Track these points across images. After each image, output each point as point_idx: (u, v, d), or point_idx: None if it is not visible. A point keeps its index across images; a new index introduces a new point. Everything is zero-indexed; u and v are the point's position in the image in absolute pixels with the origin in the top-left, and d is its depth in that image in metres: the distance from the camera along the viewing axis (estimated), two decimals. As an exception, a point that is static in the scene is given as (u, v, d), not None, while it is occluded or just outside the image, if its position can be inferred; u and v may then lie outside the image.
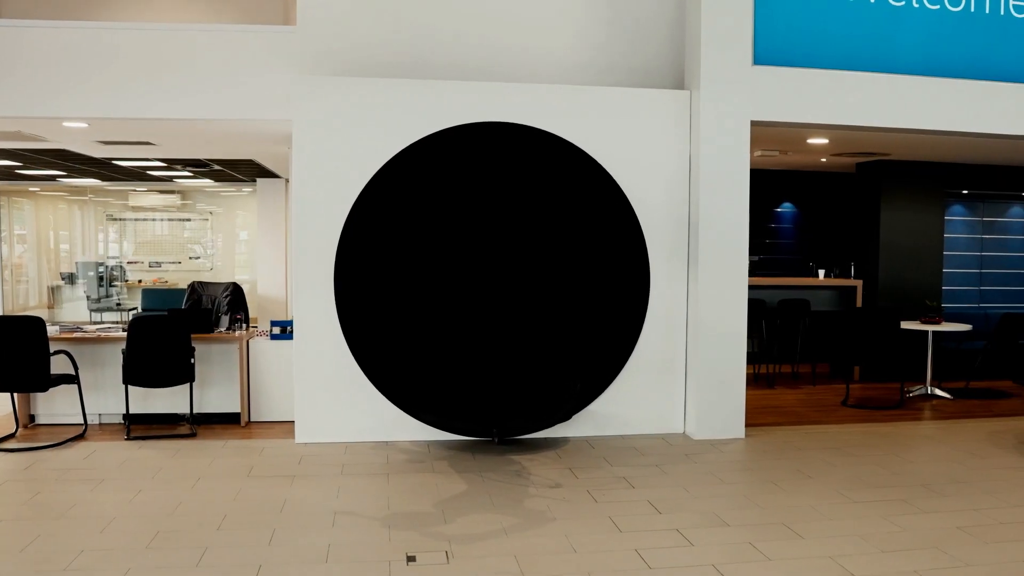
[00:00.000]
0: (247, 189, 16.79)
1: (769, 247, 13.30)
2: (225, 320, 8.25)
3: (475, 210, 7.12)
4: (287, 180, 14.48)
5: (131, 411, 7.43)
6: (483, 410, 7.05)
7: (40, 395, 7.62)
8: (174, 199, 17.36)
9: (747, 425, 7.55)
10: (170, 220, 17.62)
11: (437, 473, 6.30)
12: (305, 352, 7.11)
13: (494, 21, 7.71)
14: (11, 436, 7.28)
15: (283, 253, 14.65)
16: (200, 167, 13.19)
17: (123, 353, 7.21)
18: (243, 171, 13.89)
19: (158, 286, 16.84)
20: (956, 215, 12.10)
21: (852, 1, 7.47)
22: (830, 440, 7.41)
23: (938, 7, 7.61)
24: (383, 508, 5.46)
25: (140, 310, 15.61)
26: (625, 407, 7.50)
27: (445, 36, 7.62)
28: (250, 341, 7.92)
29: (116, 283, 16.77)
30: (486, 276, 7.13)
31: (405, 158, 7.05)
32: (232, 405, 7.87)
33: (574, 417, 7.29)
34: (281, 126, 8.06)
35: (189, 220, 17.68)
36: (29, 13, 8.47)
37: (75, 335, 7.69)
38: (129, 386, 7.26)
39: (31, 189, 16.99)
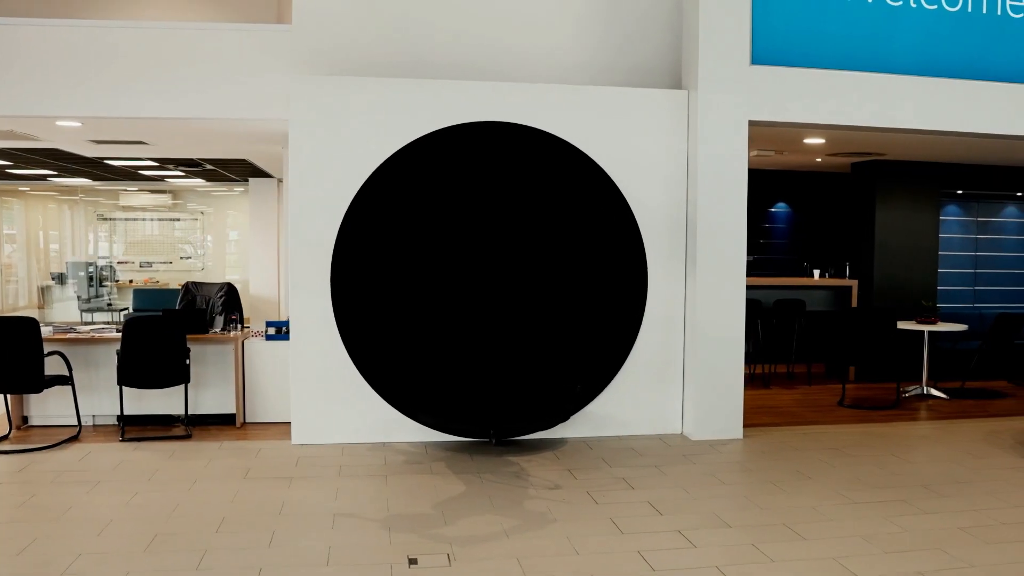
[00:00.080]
0: (239, 189, 16.72)
1: (763, 247, 13.30)
2: (219, 320, 8.20)
3: (472, 210, 7.09)
4: (279, 180, 14.43)
5: (125, 412, 7.37)
6: (480, 411, 7.02)
7: (33, 396, 7.55)
8: (165, 199, 17.27)
9: (744, 425, 7.53)
10: (160, 220, 17.53)
11: (435, 474, 6.26)
12: (301, 353, 7.06)
13: (492, 20, 7.67)
14: (4, 438, 7.22)
15: (275, 253, 14.60)
16: (192, 167, 13.13)
17: (118, 354, 7.15)
18: (235, 171, 13.84)
19: (149, 286, 16.75)
20: (951, 215, 12.12)
21: (850, 1, 7.46)
22: (828, 440, 7.40)
23: (935, 7, 7.61)
24: (382, 510, 5.42)
25: (131, 310, 15.55)
26: (623, 408, 7.48)
27: (442, 35, 7.59)
28: (245, 342, 7.86)
29: (106, 283, 16.68)
30: (483, 276, 7.09)
31: (402, 158, 7.01)
32: (227, 406, 7.81)
33: (572, 418, 7.27)
34: (277, 125, 8.02)
35: (180, 220, 17.58)
36: (23, 11, 8.40)
37: (68, 336, 7.62)
38: (124, 387, 7.20)
39: (21, 188, 16.88)
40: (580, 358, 7.24)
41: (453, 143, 7.09)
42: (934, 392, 9.50)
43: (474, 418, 7.00)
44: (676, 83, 7.82)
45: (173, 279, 16.85)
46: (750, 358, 9.45)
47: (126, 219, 17.43)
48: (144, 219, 17.49)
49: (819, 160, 11.70)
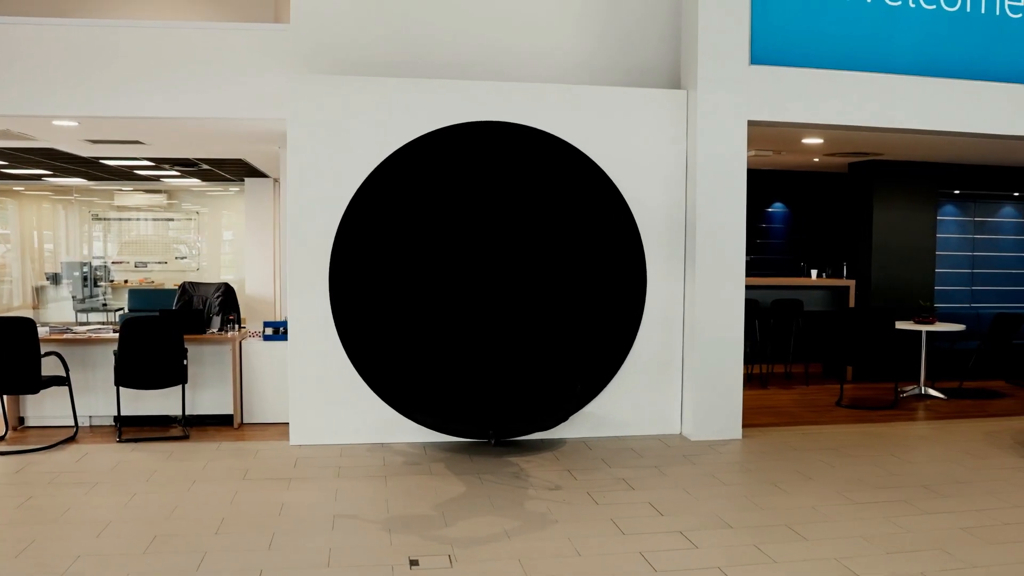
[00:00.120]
0: (234, 188, 16.68)
1: (760, 247, 13.30)
2: (217, 321, 8.17)
3: (471, 209, 7.07)
4: (275, 180, 14.39)
5: (122, 413, 7.33)
6: (479, 412, 7.00)
7: (30, 397, 7.51)
8: (160, 199, 17.22)
9: (743, 426, 7.52)
10: (155, 220, 17.47)
11: (435, 475, 6.24)
12: (300, 353, 7.03)
13: (490, 19, 7.65)
14: (1, 439, 7.18)
15: (271, 253, 14.56)
16: (188, 166, 13.09)
17: (115, 354, 7.11)
18: (231, 170, 13.80)
19: (144, 286, 16.70)
20: (948, 215, 12.13)
21: (849, 1, 7.46)
22: (827, 441, 7.40)
23: (934, 7, 7.60)
24: (382, 511, 5.40)
25: (127, 310, 15.49)
26: (622, 408, 7.46)
27: (441, 34, 7.56)
28: (243, 342, 7.83)
29: (101, 283, 16.62)
30: (481, 276, 7.07)
31: (401, 157, 6.99)
32: (224, 407, 7.78)
33: (571, 418, 7.24)
34: (274, 125, 7.99)
35: (175, 220, 17.52)
36: (20, 10, 8.35)
37: (65, 336, 7.58)
38: (121, 388, 7.17)
39: (15, 188, 16.82)
40: (579, 358, 7.22)
41: (452, 143, 7.07)
42: (932, 392, 9.50)
43: (473, 418, 6.98)
44: (675, 83, 7.81)
45: (168, 279, 16.81)
46: (747, 358, 9.44)
47: (120, 219, 17.37)
48: (139, 219, 17.44)
49: (816, 160, 11.70)
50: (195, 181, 16.10)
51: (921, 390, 9.55)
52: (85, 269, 16.43)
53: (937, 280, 11.44)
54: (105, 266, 16.89)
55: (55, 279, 17.24)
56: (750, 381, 10.03)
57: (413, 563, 4.52)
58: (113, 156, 11.52)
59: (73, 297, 16.34)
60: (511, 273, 7.11)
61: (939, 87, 7.69)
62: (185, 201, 17.50)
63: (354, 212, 6.93)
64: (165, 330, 7.19)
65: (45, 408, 7.56)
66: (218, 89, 7.59)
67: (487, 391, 7.03)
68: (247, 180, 14.66)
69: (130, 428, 7.47)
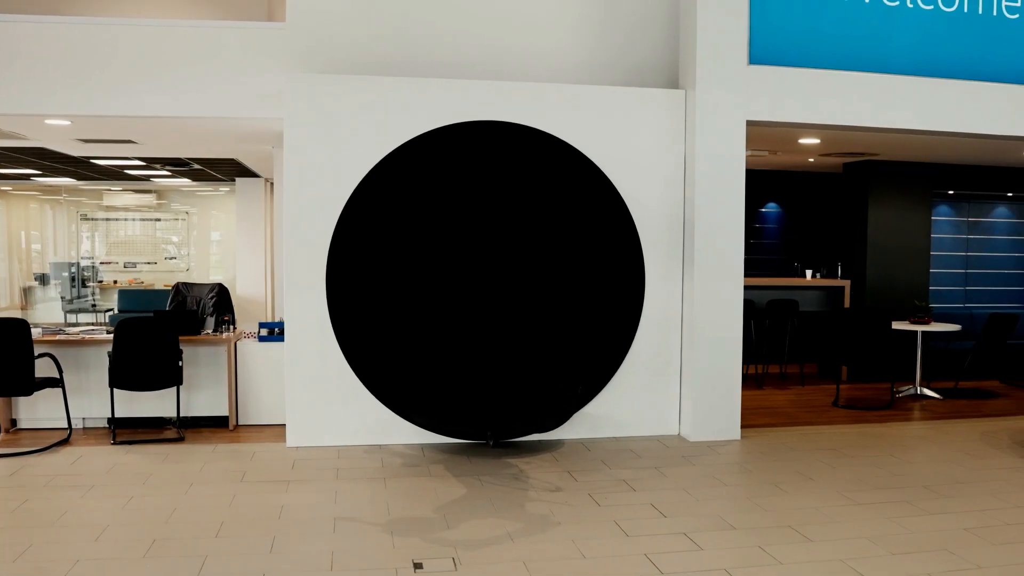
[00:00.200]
0: (224, 189, 16.59)
1: (753, 247, 13.29)
2: (211, 322, 8.09)
3: (469, 209, 7.03)
4: (267, 180, 14.31)
5: (116, 415, 7.26)
6: (477, 413, 6.96)
7: (22, 399, 7.42)
8: (149, 199, 17.09)
9: (741, 426, 7.51)
10: (143, 220, 17.34)
11: (434, 477, 6.19)
12: (296, 354, 6.97)
13: (489, 19, 7.62)
14: (-7, 441, 7.12)
15: (263, 254, 14.48)
16: (180, 166, 13.00)
17: (109, 356, 7.04)
18: (223, 170, 13.71)
19: (134, 287, 16.59)
20: (942, 215, 12.15)
21: (847, 1, 7.45)
22: (825, 441, 7.38)
23: (932, 7, 7.60)
24: (383, 513, 5.35)
25: (116, 311, 15.39)
26: (620, 409, 7.43)
27: (438, 34, 7.52)
28: (238, 343, 7.77)
29: (89, 284, 16.50)
30: (479, 277, 7.04)
31: (398, 157, 6.94)
32: (219, 408, 7.71)
33: (569, 419, 7.20)
34: (269, 124, 7.94)
35: (164, 220, 17.40)
36: (12, 8, 8.26)
37: (58, 337, 7.50)
38: (115, 389, 7.09)
39: (3, 188, 16.67)
40: (577, 359, 7.19)
41: (450, 143, 7.02)
42: (927, 392, 9.51)
43: (471, 420, 6.94)
44: (674, 83, 7.78)
45: (158, 279, 16.71)
46: (743, 359, 9.43)
47: (107, 219, 17.24)
48: (128, 219, 17.31)
49: (811, 160, 11.71)
50: (185, 181, 16.00)
51: (917, 390, 9.56)
52: (73, 270, 16.30)
53: (931, 280, 11.46)
54: (93, 267, 16.76)
55: (43, 280, 17.10)
56: (745, 381, 9.92)
57: (417, 566, 4.47)
58: (104, 156, 11.42)
59: (62, 298, 16.21)
60: (508, 273, 7.07)
61: (937, 87, 7.70)
62: (174, 201, 17.39)
63: (351, 212, 6.88)
64: (160, 331, 7.12)
65: (38, 410, 7.48)
66: (213, 88, 7.53)
67: (484, 392, 6.99)
68: (238, 180, 14.57)
69: (124, 430, 7.40)
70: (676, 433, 7.57)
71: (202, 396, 7.71)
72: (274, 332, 7.86)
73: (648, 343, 7.46)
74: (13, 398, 7.42)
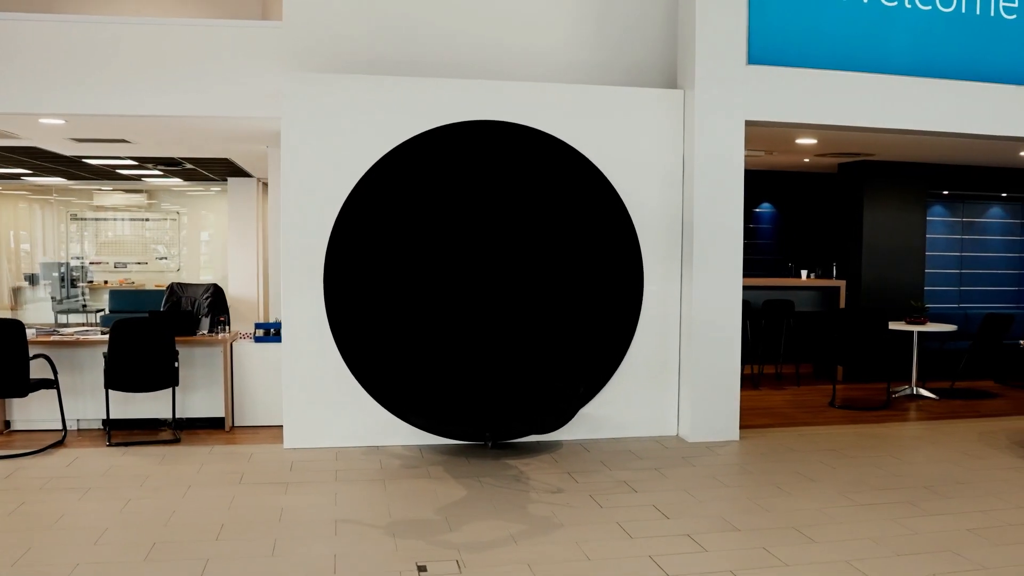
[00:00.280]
0: (215, 188, 16.51)
1: (749, 247, 13.24)
2: (206, 322, 8.04)
3: (467, 209, 6.99)
4: (259, 180, 14.24)
5: (111, 416, 7.19)
6: (476, 414, 6.93)
7: (16, 400, 7.35)
8: (140, 199, 17.00)
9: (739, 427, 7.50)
10: (133, 220, 17.23)
11: (434, 479, 6.16)
12: (294, 355, 6.92)
13: (487, 18, 7.58)
14: (-14, 443, 7.04)
15: (255, 254, 14.41)
16: (172, 166, 12.91)
17: (105, 357, 6.97)
18: (215, 170, 13.64)
19: (124, 287, 16.48)
20: (937, 215, 12.18)
21: (846, 1, 7.45)
22: (824, 442, 7.38)
23: (930, 8, 7.61)
24: (384, 516, 5.31)
25: (107, 312, 15.28)
26: (619, 409, 7.41)
27: (436, 33, 7.48)
28: (234, 344, 7.71)
29: (79, 284, 16.39)
30: (477, 277, 7.00)
31: (396, 157, 6.90)
32: (215, 409, 7.66)
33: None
34: (265, 123, 7.89)
35: (155, 220, 17.30)
36: (8, 6, 8.19)
37: (53, 338, 7.44)
38: (110, 390, 7.03)
39: (-8, 188, 16.58)
40: (576, 359, 7.16)
41: (448, 142, 6.99)
42: (923, 392, 9.52)
43: (469, 421, 6.91)
44: (672, 82, 7.76)
45: (149, 280, 16.61)
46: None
47: (97, 219, 17.12)
48: (118, 219, 17.21)
49: (806, 160, 11.71)
50: (176, 181, 15.91)
51: (913, 390, 9.57)
52: (63, 270, 16.20)
53: (926, 280, 11.48)
54: (83, 267, 16.65)
55: (32, 280, 16.98)
56: (742, 382, 9.94)
57: (421, 569, 4.43)
58: (96, 155, 11.34)
59: (52, 298, 16.10)
60: (507, 273, 7.04)
61: (935, 87, 7.70)
62: (165, 201, 17.29)
63: (349, 212, 6.84)
64: (156, 332, 7.06)
65: (32, 411, 7.41)
66: (209, 87, 7.47)
67: (483, 393, 6.96)
68: (230, 180, 14.49)
69: (119, 432, 7.34)
70: (675, 434, 7.56)
71: (198, 397, 7.66)
72: (270, 333, 7.81)
73: (646, 344, 7.44)
74: (7, 399, 7.35)
